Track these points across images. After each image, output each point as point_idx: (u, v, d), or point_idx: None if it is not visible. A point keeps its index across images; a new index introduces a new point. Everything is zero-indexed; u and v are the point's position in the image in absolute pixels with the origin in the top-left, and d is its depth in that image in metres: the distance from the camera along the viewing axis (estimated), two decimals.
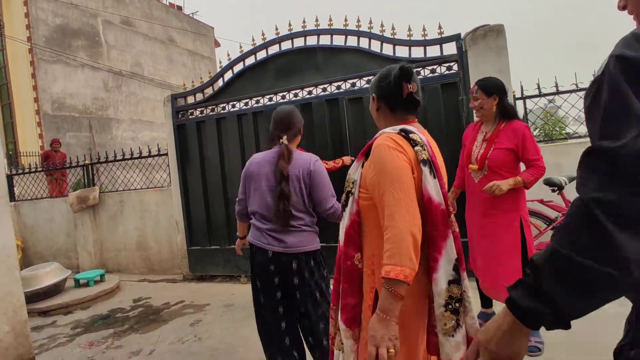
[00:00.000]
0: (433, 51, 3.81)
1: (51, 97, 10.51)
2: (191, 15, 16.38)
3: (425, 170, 1.18)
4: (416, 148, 1.20)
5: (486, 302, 2.68)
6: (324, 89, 4.12)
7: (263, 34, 4.39)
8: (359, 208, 1.25)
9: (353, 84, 4.02)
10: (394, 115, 1.32)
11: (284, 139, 1.98)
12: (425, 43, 3.80)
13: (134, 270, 5.34)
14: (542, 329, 2.26)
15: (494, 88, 2.36)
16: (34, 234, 5.98)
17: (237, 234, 2.36)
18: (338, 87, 4.06)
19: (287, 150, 1.96)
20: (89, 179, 5.61)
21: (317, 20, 4.18)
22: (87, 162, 5.61)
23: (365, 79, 3.91)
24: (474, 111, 2.49)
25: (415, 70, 3.72)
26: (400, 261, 1.05)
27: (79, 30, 11.44)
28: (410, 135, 1.22)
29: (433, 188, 1.18)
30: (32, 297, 3.91)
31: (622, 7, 0.87)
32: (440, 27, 3.76)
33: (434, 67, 3.77)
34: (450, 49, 3.76)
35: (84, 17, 11.64)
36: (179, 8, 16.00)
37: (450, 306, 1.17)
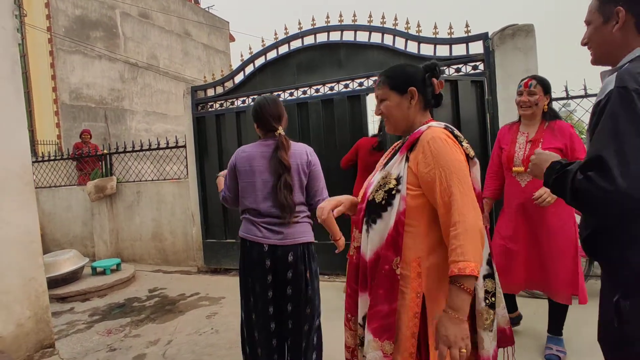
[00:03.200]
0: (459, 50, 3.75)
1: (69, 87, 10.63)
2: (207, 9, 16.42)
3: (476, 166, 1.22)
4: (464, 144, 1.21)
5: (511, 306, 2.61)
6: (346, 85, 4.08)
7: (286, 29, 4.37)
8: (406, 205, 1.18)
9: (375, 81, 3.98)
10: (424, 112, 1.31)
11: (280, 129, 1.94)
12: (451, 41, 3.75)
13: (148, 260, 5.38)
14: (565, 339, 2.17)
15: (549, 86, 2.31)
16: (51, 221, 6.05)
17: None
18: (360, 84, 4.03)
19: (286, 141, 1.92)
20: (106, 169, 5.66)
21: (340, 16, 4.15)
22: (105, 151, 5.65)
23: None
24: (520, 108, 2.36)
25: (440, 68, 3.73)
26: (474, 257, 1.04)
27: (97, 22, 11.53)
28: (455, 131, 1.22)
29: (477, 184, 1.21)
30: (51, 283, 3.93)
31: (584, 44, 1.11)
32: (467, 26, 3.69)
33: (459, 65, 3.72)
34: (476, 48, 3.70)
35: (103, 9, 11.72)
36: (196, 2, 16.04)
37: (487, 300, 1.18)
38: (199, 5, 16.01)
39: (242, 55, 4.58)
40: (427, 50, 3.85)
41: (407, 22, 3.89)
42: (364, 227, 1.25)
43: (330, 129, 4.11)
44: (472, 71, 3.69)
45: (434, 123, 1.25)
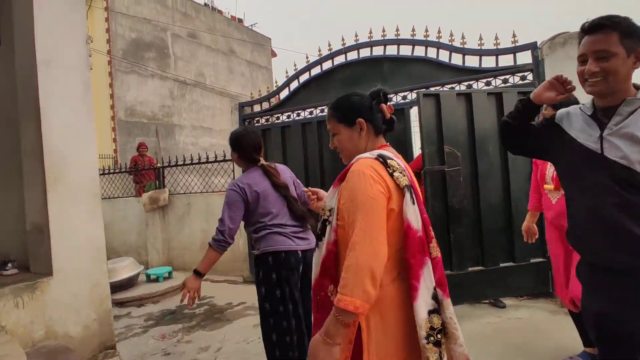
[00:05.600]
0: (505, 61, 3.69)
1: (125, 104, 11.43)
2: (250, 27, 17.11)
3: (407, 196, 1.16)
4: (395, 175, 1.17)
5: (589, 339, 2.32)
6: (390, 99, 4.10)
7: (329, 45, 4.48)
8: (337, 237, 1.20)
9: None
10: (376, 139, 1.30)
11: (262, 159, 2.17)
12: (497, 52, 3.69)
13: None
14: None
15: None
16: (109, 230, 6.45)
17: (202, 269, 2.12)
18: (404, 97, 4.04)
19: (271, 167, 2.16)
20: (159, 181, 6.01)
21: (383, 30, 4.21)
22: (159, 165, 6.01)
23: (433, 89, 3.85)
24: None
25: (486, 80, 3.66)
26: (352, 292, 1.03)
27: (150, 43, 12.37)
28: (388, 161, 1.19)
29: (413, 214, 1.16)
30: (111, 289, 4.22)
31: (595, 73, 1.21)
32: (514, 36, 3.63)
33: (507, 77, 3.64)
34: (524, 58, 3.61)
35: (156, 31, 12.57)
36: (240, 20, 16.78)
37: (431, 338, 1.13)
38: (243, 24, 16.71)
39: (287, 72, 4.75)
40: (472, 62, 3.81)
41: (451, 34, 3.87)
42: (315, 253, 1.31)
43: None
44: (520, 82, 3.60)
45: (366, 154, 1.23)
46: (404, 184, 1.16)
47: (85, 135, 2.93)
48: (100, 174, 6.86)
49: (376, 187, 1.12)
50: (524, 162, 3.47)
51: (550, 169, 2.37)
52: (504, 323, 3.07)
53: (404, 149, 3.99)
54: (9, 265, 2.75)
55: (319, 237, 1.24)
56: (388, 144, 1.32)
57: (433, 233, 1.24)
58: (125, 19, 11.61)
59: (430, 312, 1.14)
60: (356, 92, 1.35)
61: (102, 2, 11.21)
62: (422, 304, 1.12)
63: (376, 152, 1.23)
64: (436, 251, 1.21)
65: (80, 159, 2.86)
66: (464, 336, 1.19)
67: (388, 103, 1.31)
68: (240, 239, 5.00)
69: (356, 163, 1.19)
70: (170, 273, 4.93)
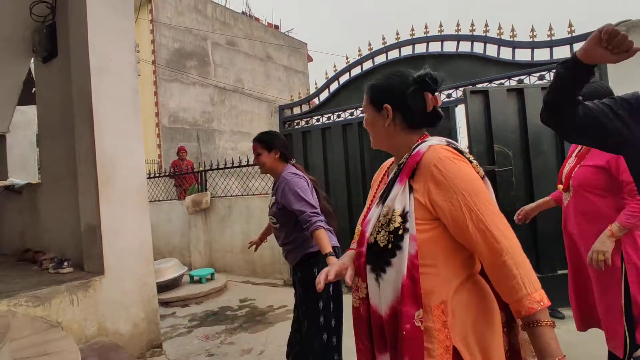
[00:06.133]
0: (561, 53, 3.45)
1: (168, 111, 11.89)
2: (286, 32, 17.34)
3: (488, 185, 1.02)
4: (473, 162, 1.02)
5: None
6: (439, 88, 3.96)
7: (369, 44, 4.41)
8: (418, 247, 0.95)
9: None
10: (412, 132, 1.09)
11: (293, 160, 2.22)
12: (551, 44, 3.46)
13: (237, 271, 5.67)
14: None
15: (593, 96, 1.97)
16: (155, 232, 6.65)
17: (328, 250, 1.87)
18: (448, 95, 3.88)
19: (300, 166, 2.21)
20: (202, 185, 6.15)
21: (426, 27, 4.07)
22: (201, 169, 6.16)
23: (480, 85, 3.67)
24: None
25: (539, 74, 3.44)
26: (535, 285, 0.87)
27: (192, 52, 12.81)
28: (460, 148, 1.04)
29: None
30: (157, 289, 4.35)
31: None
32: (570, 25, 3.38)
33: None
34: None
35: (197, 40, 13.00)
36: (276, 27, 17.04)
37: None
38: (280, 30, 16.96)
39: (326, 73, 4.71)
40: (523, 55, 3.60)
41: (500, 28, 3.68)
42: (371, 275, 1.03)
43: None
44: None
45: (433, 140, 1.04)
46: (483, 173, 1.03)
47: (134, 139, 3.03)
48: (147, 178, 7.17)
49: (473, 170, 0.98)
50: None
51: (567, 167, 2.07)
52: (565, 335, 2.83)
53: None
54: (65, 264, 2.88)
55: (390, 254, 0.98)
56: (427, 134, 1.11)
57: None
58: (168, 30, 12.10)
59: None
60: (399, 71, 1.11)
61: (148, 14, 11.76)
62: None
63: (439, 138, 1.06)
64: None
65: (129, 162, 2.95)
66: None
67: (437, 93, 1.08)
68: None
69: (430, 151, 0.99)
70: (212, 275, 5.01)
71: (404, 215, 0.97)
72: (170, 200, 6.77)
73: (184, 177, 6.82)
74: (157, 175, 7.09)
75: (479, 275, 1.04)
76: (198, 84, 12.83)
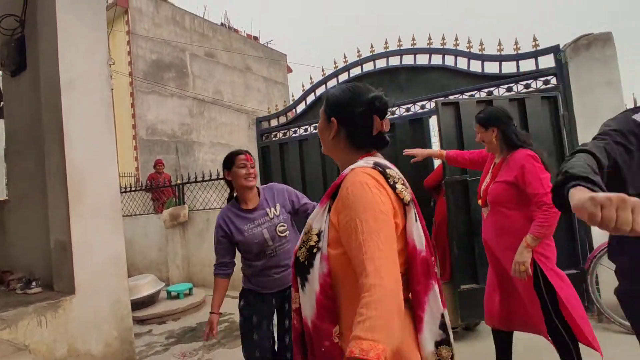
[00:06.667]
0: (527, 66, 3.59)
1: (146, 123, 11.72)
2: (266, 44, 17.43)
3: (411, 213, 0.98)
4: (397, 187, 0.98)
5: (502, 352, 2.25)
6: (408, 109, 4.06)
7: (345, 57, 4.48)
8: (330, 266, 0.96)
9: None
10: (354, 150, 1.07)
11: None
12: (517, 57, 3.60)
13: None
14: None
15: (489, 120, 2.16)
16: (130, 247, 6.54)
17: None
18: (422, 107, 3.98)
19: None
20: (179, 198, 6.06)
21: (399, 40, 4.18)
22: (179, 182, 6.08)
23: (452, 97, 3.77)
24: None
25: (507, 86, 3.57)
26: (384, 336, 0.78)
27: (170, 64, 12.72)
28: (387, 171, 0.99)
29: (416, 233, 0.98)
30: (132, 306, 4.23)
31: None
32: (535, 40, 3.54)
33: (529, 81, 3.54)
34: (546, 62, 3.52)
35: (175, 52, 12.93)
36: (255, 38, 17.12)
37: None
38: (259, 42, 17.04)
39: (303, 85, 4.76)
40: (492, 68, 3.73)
41: (469, 41, 3.81)
42: (300, 288, 1.03)
43: (392, 152, 4.08)
44: (544, 86, 3.49)
45: (361, 162, 1.02)
46: (408, 199, 0.99)
47: (107, 154, 2.97)
48: (122, 192, 7.01)
49: (384, 198, 0.93)
50: (553, 170, 3.34)
51: (484, 184, 2.24)
52: (535, 340, 2.89)
53: (424, 159, 3.90)
54: (34, 283, 2.78)
55: (306, 270, 0.99)
56: (374, 152, 1.09)
57: (434, 249, 1.04)
58: (145, 42, 11.99)
59: (437, 344, 0.98)
60: (355, 87, 1.08)
61: (124, 25, 11.64)
62: (428, 336, 0.97)
63: (372, 159, 1.03)
64: (438, 271, 1.06)
65: (101, 177, 2.89)
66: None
67: (386, 117, 1.05)
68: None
69: (351, 173, 0.98)
70: (190, 290, 4.92)
71: (319, 235, 0.99)
72: (147, 214, 6.64)
73: (161, 190, 6.71)
74: (133, 189, 6.95)
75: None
76: (176, 95, 12.72)
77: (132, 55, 11.57)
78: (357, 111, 1.04)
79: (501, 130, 2.13)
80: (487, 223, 2.20)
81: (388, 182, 0.97)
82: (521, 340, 2.59)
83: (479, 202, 2.28)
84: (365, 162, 1.01)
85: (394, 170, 1.02)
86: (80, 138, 2.77)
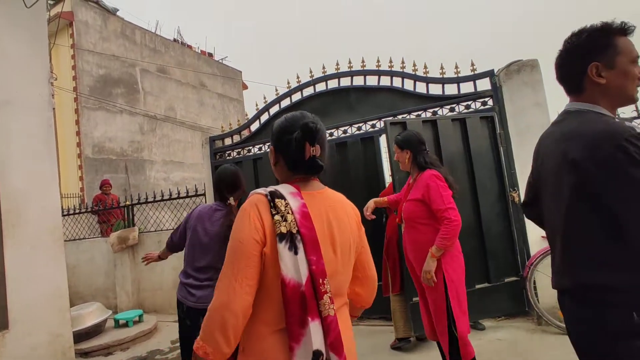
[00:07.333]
0: (467, 88, 3.87)
1: (92, 141, 11.13)
2: (221, 60, 17.30)
3: (281, 245, 1.00)
4: (275, 218, 1.02)
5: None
6: (359, 128, 4.20)
7: (298, 77, 4.57)
8: None
9: None
10: (291, 175, 1.14)
11: (232, 200, 2.24)
12: (458, 80, 3.87)
13: (169, 310, 5.34)
14: None
15: (405, 142, 2.45)
16: (75, 274, 6.13)
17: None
18: (373, 126, 4.14)
19: (236, 212, 2.17)
20: (129, 220, 5.80)
21: (350, 62, 4.34)
22: (127, 203, 5.82)
23: (400, 116, 3.97)
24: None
25: (449, 106, 3.81)
26: (207, 339, 1.00)
27: (119, 79, 12.24)
28: (276, 200, 1.04)
29: (291, 266, 1.00)
30: (75, 338, 3.93)
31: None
32: (472, 64, 3.82)
33: (469, 102, 3.81)
34: (484, 85, 3.81)
35: (124, 67, 12.48)
36: (210, 55, 16.94)
37: None
38: (213, 58, 16.88)
39: (257, 105, 4.79)
40: (435, 89, 3.97)
41: (414, 65, 4.04)
42: None
43: (345, 170, 4.19)
44: (482, 107, 3.77)
45: (259, 189, 1.10)
46: (279, 231, 1.01)
47: (47, 178, 2.82)
48: (65, 215, 6.58)
49: (250, 229, 1.01)
50: (492, 184, 3.59)
51: (404, 201, 2.45)
52: (485, 345, 3.06)
53: (376, 177, 4.05)
54: None
55: None
56: (309, 177, 1.15)
57: (329, 287, 1.03)
58: (92, 56, 11.49)
59: None
60: (292, 117, 1.16)
61: (69, 39, 11.10)
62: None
63: (274, 187, 1.10)
64: (330, 309, 1.02)
65: (40, 203, 2.73)
66: None
67: (315, 145, 1.09)
68: None
69: (249, 197, 1.08)
70: (140, 316, 4.68)
71: None
72: (93, 238, 6.27)
73: (109, 212, 6.37)
74: (77, 211, 6.55)
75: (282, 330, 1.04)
76: (126, 112, 12.23)
77: (77, 70, 11.02)
78: (287, 138, 1.11)
79: (413, 153, 2.39)
80: (404, 239, 2.41)
81: (271, 212, 1.03)
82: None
83: (397, 220, 2.48)
84: (264, 190, 1.09)
85: (285, 202, 1.04)
86: (17, 162, 2.61)
